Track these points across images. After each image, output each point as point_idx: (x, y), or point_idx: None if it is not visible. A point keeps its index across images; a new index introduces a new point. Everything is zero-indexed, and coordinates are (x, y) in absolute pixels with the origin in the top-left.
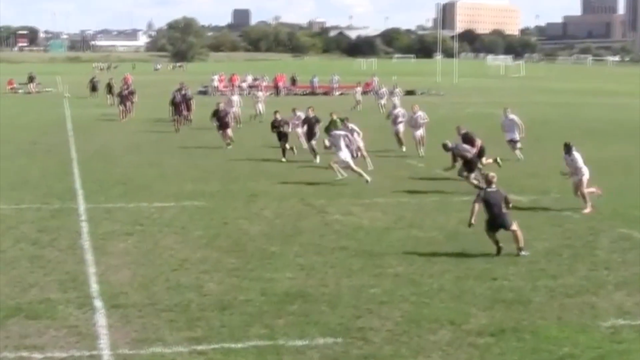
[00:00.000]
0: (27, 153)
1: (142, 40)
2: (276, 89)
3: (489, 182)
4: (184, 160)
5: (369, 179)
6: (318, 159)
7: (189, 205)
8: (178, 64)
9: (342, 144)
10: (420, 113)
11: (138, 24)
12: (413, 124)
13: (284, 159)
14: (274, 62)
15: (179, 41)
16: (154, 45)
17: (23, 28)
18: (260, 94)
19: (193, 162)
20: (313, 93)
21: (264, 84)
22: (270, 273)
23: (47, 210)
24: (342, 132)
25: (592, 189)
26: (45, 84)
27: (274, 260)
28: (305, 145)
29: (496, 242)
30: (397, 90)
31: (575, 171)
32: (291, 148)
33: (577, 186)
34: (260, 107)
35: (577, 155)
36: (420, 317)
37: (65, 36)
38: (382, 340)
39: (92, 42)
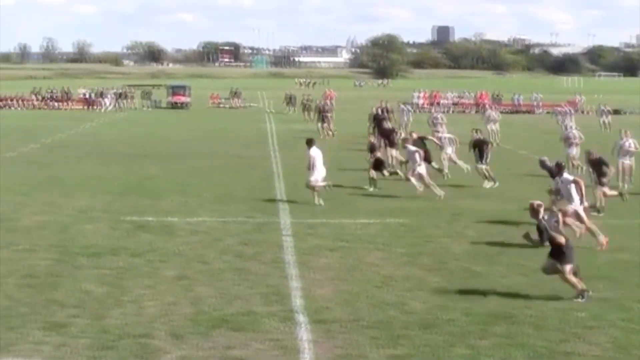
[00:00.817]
0: (231, 167)
1: (344, 56)
2: (479, 107)
3: (535, 212)
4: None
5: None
6: (488, 184)
7: (391, 222)
8: (382, 81)
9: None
10: (630, 140)
11: (339, 40)
12: (621, 152)
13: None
14: (476, 79)
15: (381, 58)
16: (356, 62)
17: (226, 44)
18: (493, 113)
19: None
20: (516, 111)
21: (466, 101)
22: (473, 293)
23: (251, 224)
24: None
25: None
26: (249, 99)
27: (477, 280)
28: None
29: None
30: (605, 109)
31: (567, 197)
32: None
33: (565, 214)
34: (494, 127)
35: (567, 178)
36: (629, 343)
37: (267, 52)
38: None
39: (294, 58)
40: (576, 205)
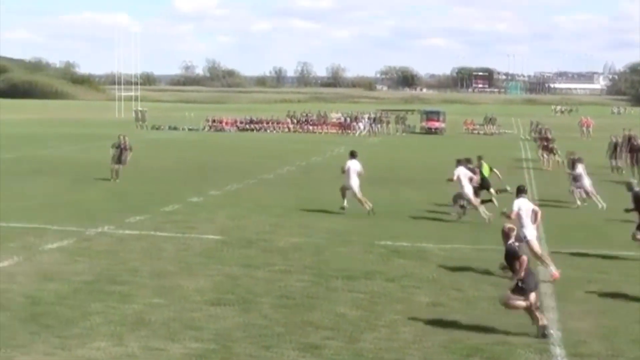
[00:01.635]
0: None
1: (600, 83)
2: None
3: (506, 235)
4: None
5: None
6: None
7: None
8: None
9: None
10: None
11: (596, 66)
12: None
13: None
14: None
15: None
16: (613, 89)
17: (480, 69)
18: None
19: None
20: None
21: None
22: None
23: None
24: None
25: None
26: (503, 126)
27: None
28: None
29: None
30: None
31: (521, 223)
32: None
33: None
34: None
35: (519, 203)
36: None
37: (522, 78)
38: None
39: (549, 84)
40: (528, 232)
